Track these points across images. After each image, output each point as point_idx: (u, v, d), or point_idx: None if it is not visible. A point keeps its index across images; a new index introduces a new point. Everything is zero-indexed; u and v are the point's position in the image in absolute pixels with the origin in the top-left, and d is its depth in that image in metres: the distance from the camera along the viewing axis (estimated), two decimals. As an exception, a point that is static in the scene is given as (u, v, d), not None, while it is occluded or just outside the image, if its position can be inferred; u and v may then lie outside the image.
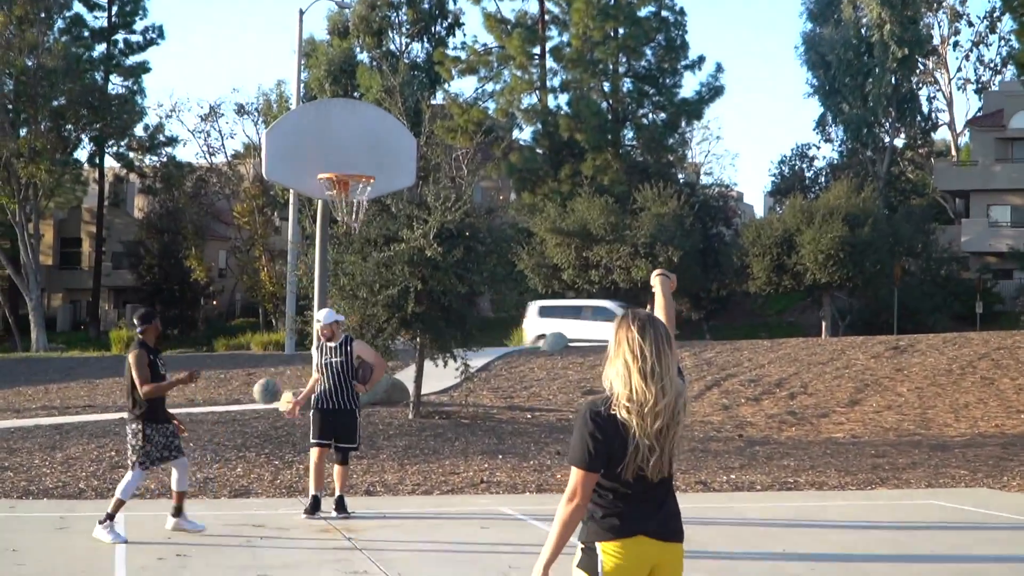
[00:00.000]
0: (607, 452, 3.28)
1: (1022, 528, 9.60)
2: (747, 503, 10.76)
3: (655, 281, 3.66)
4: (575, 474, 3.35)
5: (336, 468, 9.55)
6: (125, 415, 8.98)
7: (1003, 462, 13.92)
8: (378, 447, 14.04)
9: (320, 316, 10.18)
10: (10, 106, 36.08)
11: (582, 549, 3.47)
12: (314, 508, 9.52)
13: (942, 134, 52.10)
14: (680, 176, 43.01)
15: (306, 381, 11.37)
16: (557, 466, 13.04)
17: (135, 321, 9.02)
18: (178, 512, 8.65)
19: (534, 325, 31.39)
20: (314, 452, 9.57)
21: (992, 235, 44.09)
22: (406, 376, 17.11)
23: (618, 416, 3.26)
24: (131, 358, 8.53)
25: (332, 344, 9.55)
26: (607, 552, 3.36)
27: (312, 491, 9.68)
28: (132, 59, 42.65)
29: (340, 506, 9.45)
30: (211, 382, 20.87)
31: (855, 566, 8.00)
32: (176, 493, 8.70)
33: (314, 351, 9.86)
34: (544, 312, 31.93)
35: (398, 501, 10.79)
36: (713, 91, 41.92)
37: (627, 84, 41.67)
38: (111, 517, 8.29)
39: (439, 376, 17.84)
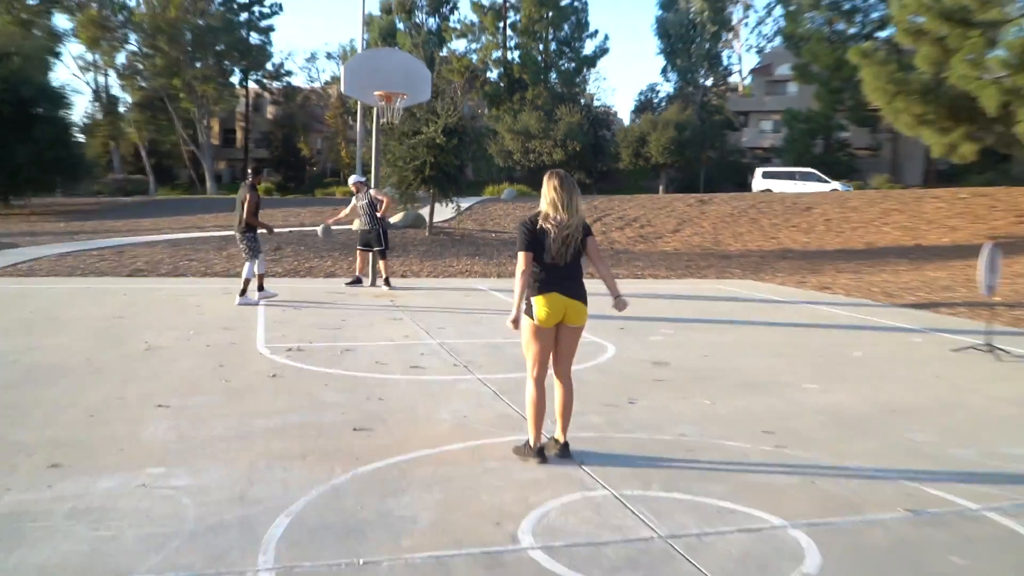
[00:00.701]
0: (534, 241, 4.81)
1: (770, 301, 13.73)
2: (619, 285, 15.50)
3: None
4: (520, 256, 4.88)
5: (379, 263, 13.45)
6: (236, 230, 11.45)
7: (761, 266, 19.35)
8: (408, 251, 19.13)
9: (351, 179, 13.69)
10: (189, 48, 53.10)
11: (526, 303, 4.93)
12: (356, 282, 13.58)
13: (735, 79, 71.74)
14: (582, 100, 58.74)
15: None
16: (508, 262, 18.08)
17: (248, 172, 11.68)
18: (260, 288, 11.34)
19: (759, 184, 40.75)
20: (358, 254, 13.64)
21: (760, 138, 63.29)
22: (424, 212, 22.95)
23: (541, 225, 4.84)
24: (246, 196, 11.10)
25: (359, 194, 13.31)
26: (537, 301, 4.88)
27: (357, 273, 13.69)
28: (264, 23, 59.78)
29: (386, 282, 13.30)
30: (314, 214, 25.87)
31: (675, 307, 12.18)
32: (258, 275, 11.28)
33: (353, 199, 13.61)
34: (766, 175, 41.69)
35: (420, 281, 15.02)
36: (603, 51, 62.66)
37: (553, 46, 60.67)
38: (243, 292, 11.10)
39: (443, 212, 24.48)
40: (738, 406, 6.68)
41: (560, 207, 4.92)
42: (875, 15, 53.84)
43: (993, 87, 20.87)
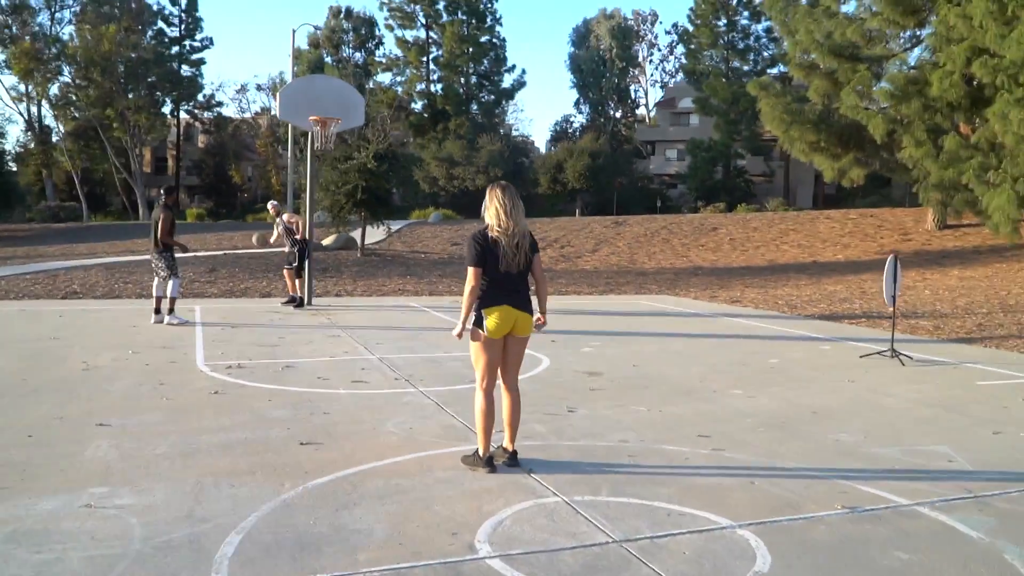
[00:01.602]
0: (484, 256, 4.60)
1: (687, 314, 13.86)
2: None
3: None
4: (469, 271, 4.63)
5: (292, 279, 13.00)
6: (151, 252, 10.82)
7: (676, 282, 19.51)
8: (341, 272, 18.67)
9: (269, 204, 13.65)
10: (122, 80, 51.71)
11: (475, 315, 4.71)
12: (291, 301, 12.93)
13: (642, 111, 74.70)
14: (502, 130, 59.95)
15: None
16: (439, 281, 17.85)
17: (161, 192, 10.93)
18: (171, 310, 10.59)
19: None
20: (286, 274, 13.17)
21: (666, 165, 64.56)
22: (356, 234, 22.50)
23: (491, 236, 4.63)
24: (160, 215, 10.48)
25: (279, 218, 13.05)
26: (488, 314, 4.69)
27: (291, 292, 13.08)
28: (195, 56, 58.63)
29: (300, 303, 12.87)
30: (245, 237, 25.58)
31: (601, 321, 12.12)
32: (170, 299, 10.57)
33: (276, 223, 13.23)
34: None
35: (355, 300, 14.62)
36: (520, 84, 63.38)
37: (473, 79, 61.10)
38: (171, 311, 10.58)
39: (373, 235, 23.87)
40: (672, 412, 6.56)
41: (505, 214, 4.72)
42: (767, 53, 55.67)
43: (879, 117, 21.56)
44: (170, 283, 10.67)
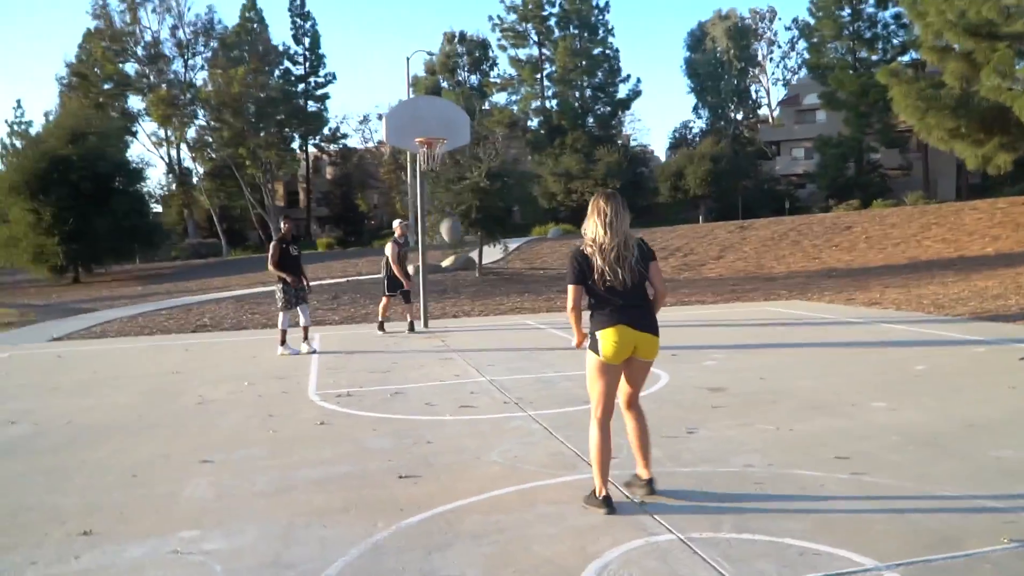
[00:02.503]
0: (582, 272, 4.24)
1: (821, 320, 12.86)
2: (666, 312, 14.76)
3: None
4: (569, 289, 4.35)
5: (405, 306, 12.68)
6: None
7: (807, 286, 18.38)
8: (460, 292, 18.73)
9: (396, 224, 12.77)
10: (252, 119, 53.80)
11: (590, 338, 4.31)
12: (381, 327, 12.36)
13: (764, 111, 72.41)
14: (619, 141, 58.90)
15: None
16: (557, 297, 17.50)
17: (282, 225, 10.78)
18: (281, 342, 10.38)
19: None
20: (385, 299, 12.58)
21: (793, 165, 61.81)
22: (474, 254, 22.57)
23: (585, 251, 4.24)
24: (269, 245, 10.63)
25: (402, 239, 12.53)
26: (604, 336, 4.23)
27: (380, 318, 12.49)
28: (319, 91, 61.27)
29: (411, 328, 12.46)
30: (370, 263, 25.57)
31: (725, 332, 11.51)
32: (303, 327, 10.54)
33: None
34: None
35: (471, 320, 14.48)
36: (636, 93, 61.83)
37: (588, 92, 60.37)
38: (282, 342, 10.35)
39: (492, 254, 24.19)
40: (804, 430, 5.94)
41: (603, 226, 4.28)
42: (896, 41, 52.69)
43: (1026, 96, 19.80)
44: (280, 316, 10.64)
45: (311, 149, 65.20)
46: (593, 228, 4.32)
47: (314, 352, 10.58)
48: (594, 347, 4.30)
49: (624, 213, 4.35)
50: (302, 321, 10.67)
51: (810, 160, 58.34)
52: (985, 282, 17.12)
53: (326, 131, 63.54)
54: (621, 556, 3.74)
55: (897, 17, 51.45)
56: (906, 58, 49.36)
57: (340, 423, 6.63)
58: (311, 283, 11.16)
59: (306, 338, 10.72)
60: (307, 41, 61.52)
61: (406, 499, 4.62)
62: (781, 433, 5.88)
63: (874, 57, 52.93)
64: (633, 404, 4.54)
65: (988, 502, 4.31)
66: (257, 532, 4.18)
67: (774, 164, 62.84)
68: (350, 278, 22.56)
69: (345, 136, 66.20)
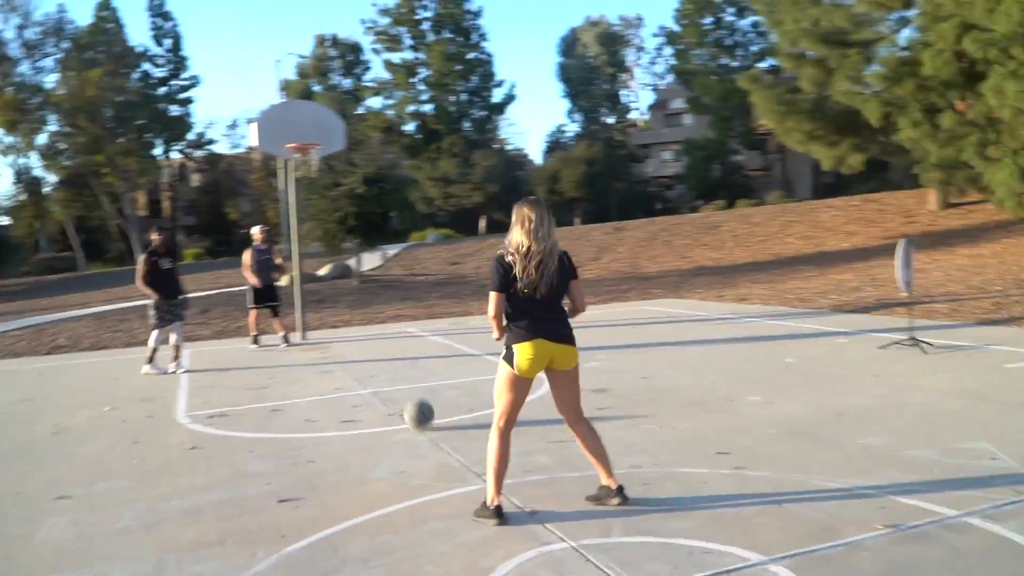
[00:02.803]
0: (506, 280, 4.12)
1: (695, 318, 13.30)
2: None
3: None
4: (491, 296, 4.19)
5: (275, 321, 12.09)
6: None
7: (680, 285, 19.01)
8: (338, 301, 18.17)
9: (254, 230, 12.14)
10: (110, 125, 50.65)
11: (505, 349, 4.23)
12: (255, 342, 11.93)
13: (634, 115, 73.25)
14: (495, 145, 59.19)
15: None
16: (438, 303, 17.34)
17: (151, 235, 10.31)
18: (175, 357, 9.83)
19: None
20: (252, 312, 12.01)
21: (663, 167, 63.74)
22: (352, 262, 21.99)
23: (508, 259, 4.12)
24: (138, 259, 9.94)
25: (263, 247, 11.85)
26: (520, 350, 4.17)
27: (252, 332, 12.05)
28: (182, 95, 57.44)
29: (285, 340, 11.97)
30: (240, 274, 24.38)
31: (605, 333, 11.35)
32: (173, 346, 9.88)
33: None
34: None
35: (351, 330, 14.07)
36: (510, 98, 60.65)
37: (463, 96, 59.12)
38: (149, 360, 9.80)
39: (370, 261, 23.82)
40: (687, 428, 6.05)
41: (525, 234, 4.15)
42: (755, 48, 55.29)
43: (874, 100, 21.10)
44: (152, 333, 10.00)
45: (175, 155, 62.35)
46: (517, 236, 4.17)
47: (184, 372, 10.03)
48: (509, 359, 4.21)
49: (550, 221, 4.22)
50: (172, 339, 10.01)
51: (679, 162, 60.43)
52: (843, 275, 18.11)
53: (191, 136, 60.61)
54: (515, 570, 3.66)
55: (755, 25, 54.02)
56: (765, 64, 51.82)
57: (213, 446, 6.29)
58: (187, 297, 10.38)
59: (176, 357, 10.09)
60: (168, 42, 58.82)
61: (288, 525, 4.40)
62: (665, 432, 5.96)
63: (735, 63, 55.41)
64: (578, 419, 4.44)
65: (861, 489, 4.48)
66: (124, 574, 3.87)
67: (645, 166, 64.72)
68: (221, 290, 21.71)
69: (212, 142, 63.22)
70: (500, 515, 4.23)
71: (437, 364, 9.75)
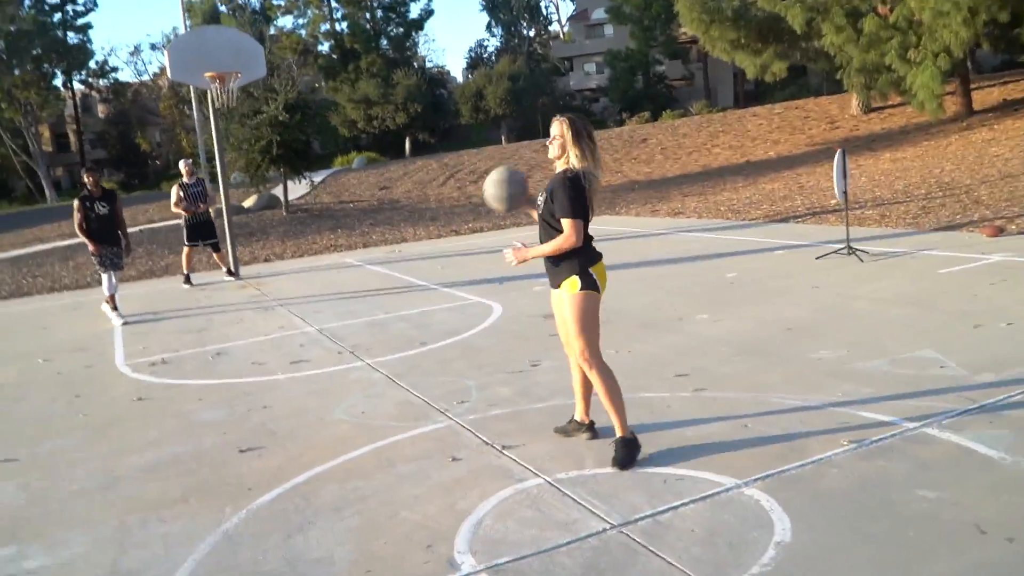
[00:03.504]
0: (587, 205, 3.91)
1: (633, 235, 13.12)
2: (483, 238, 14.25)
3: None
4: (576, 225, 3.86)
5: (215, 255, 11.97)
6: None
7: (614, 201, 19.02)
8: (268, 233, 17.66)
9: (180, 165, 11.61)
10: (4, 56, 47.61)
11: (579, 275, 3.90)
12: (187, 280, 11.69)
13: (556, 28, 72.92)
14: (416, 63, 57.15)
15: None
16: (372, 231, 16.96)
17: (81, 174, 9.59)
18: (113, 307, 9.40)
19: None
20: (186, 249, 11.62)
21: (586, 80, 62.24)
22: (278, 191, 21.23)
23: (581, 182, 3.87)
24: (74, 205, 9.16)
25: (191, 181, 11.42)
26: (597, 272, 4.00)
27: (184, 271, 11.75)
28: (80, 21, 54.07)
29: (229, 273, 11.88)
30: (163, 208, 23.01)
31: None
32: (109, 295, 9.35)
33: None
34: None
35: (285, 263, 13.74)
36: (428, 13, 63.07)
37: (379, 13, 58.07)
38: (114, 308, 9.36)
39: (297, 190, 23.12)
40: (642, 351, 6.08)
41: (591, 153, 3.93)
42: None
43: (797, 6, 21.11)
44: (103, 278, 9.35)
45: (77, 86, 59.06)
46: (585, 154, 3.92)
47: (126, 323, 9.31)
48: (592, 284, 3.97)
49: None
50: (105, 288, 9.35)
51: (602, 75, 59.90)
52: (772, 184, 18.37)
53: (93, 65, 57.54)
54: (493, 509, 3.63)
55: (675, -70, 53.17)
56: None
57: (160, 396, 6.08)
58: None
59: (114, 307, 9.45)
60: (60, -36, 55.05)
61: (253, 476, 4.29)
62: (620, 356, 5.98)
63: (656, -30, 54.66)
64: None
65: (820, 405, 4.57)
66: (85, 540, 3.72)
67: (568, 80, 64.00)
68: (142, 227, 20.91)
69: (116, 70, 60.63)
70: (635, 445, 4.06)
71: (381, 296, 9.59)
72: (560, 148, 3.93)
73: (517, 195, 4.21)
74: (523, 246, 4.10)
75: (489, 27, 69.06)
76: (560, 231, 3.90)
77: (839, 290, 7.49)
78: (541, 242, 4.06)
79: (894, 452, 3.87)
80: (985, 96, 25.67)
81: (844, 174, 9.19)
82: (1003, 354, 5.14)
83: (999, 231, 9.57)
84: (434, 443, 4.49)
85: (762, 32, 23.71)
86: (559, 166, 3.98)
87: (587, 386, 4.32)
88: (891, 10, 20.85)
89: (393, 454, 4.42)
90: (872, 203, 13.44)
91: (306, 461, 4.41)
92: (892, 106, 26.46)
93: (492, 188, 4.16)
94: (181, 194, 11.43)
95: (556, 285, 4.07)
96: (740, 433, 4.29)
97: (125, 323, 9.25)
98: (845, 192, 9.26)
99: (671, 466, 3.93)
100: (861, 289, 7.43)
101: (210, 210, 11.71)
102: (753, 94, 52.00)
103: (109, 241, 9.18)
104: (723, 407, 4.70)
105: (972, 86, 24.90)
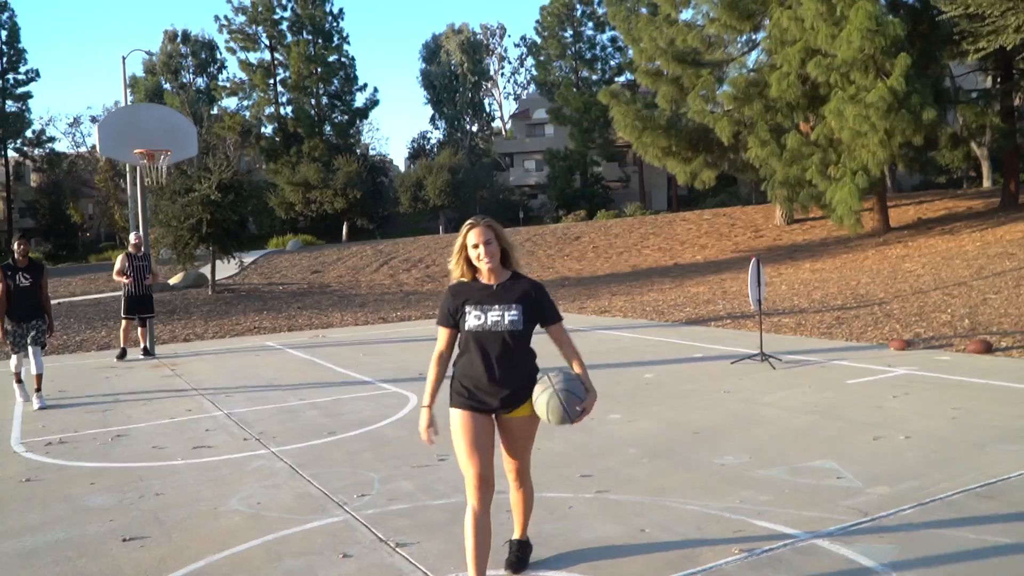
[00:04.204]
0: None
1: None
2: (405, 328, 14.32)
3: None
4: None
5: (140, 330, 11.79)
6: None
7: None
8: (190, 312, 17.21)
9: (131, 236, 11.56)
10: (-63, 121, 46.27)
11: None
12: (122, 356, 11.57)
13: (498, 124, 75.52)
14: (358, 150, 58.12)
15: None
16: (298, 314, 16.79)
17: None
18: (38, 388, 8.56)
19: None
20: (124, 322, 11.67)
21: (525, 176, 64.67)
22: (206, 270, 21.03)
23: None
24: None
25: (138, 254, 11.43)
26: None
27: (122, 345, 11.73)
28: (20, 90, 53.80)
29: (145, 352, 11.75)
30: (87, 281, 23.20)
31: None
32: (35, 375, 8.53)
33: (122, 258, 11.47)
34: None
35: (205, 344, 13.46)
36: (373, 103, 60.94)
37: (324, 99, 58.71)
38: (18, 381, 8.73)
39: (226, 269, 22.77)
40: (549, 448, 6.08)
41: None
42: (613, 62, 57.03)
43: (725, 119, 22.12)
44: (12, 358, 8.69)
45: (11, 154, 58.04)
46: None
47: (43, 407, 8.51)
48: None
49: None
50: (33, 368, 8.48)
51: (541, 172, 61.52)
52: (696, 288, 18.85)
53: (29, 134, 56.74)
54: (377, 612, 3.54)
55: (614, 40, 55.77)
56: (623, 78, 53.52)
57: (50, 478, 5.83)
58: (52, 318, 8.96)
59: (38, 389, 8.59)
60: (3, 34, 54.75)
61: (131, 567, 4.11)
62: (529, 454, 5.95)
63: (594, 76, 57.06)
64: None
65: (717, 512, 4.62)
66: (-60, 632, 3.50)
67: (508, 175, 65.57)
68: (62, 300, 20.32)
69: (53, 140, 59.38)
70: None
71: (297, 382, 9.44)
72: (499, 255, 3.69)
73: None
74: (583, 401, 3.82)
75: (433, 120, 70.56)
76: (528, 344, 3.82)
77: (749, 395, 7.65)
78: (498, 356, 3.77)
79: (782, 563, 3.91)
80: (902, 214, 27.03)
81: (759, 282, 9.51)
82: (898, 467, 5.29)
83: (907, 345, 9.97)
84: (327, 538, 4.38)
85: (692, 141, 24.74)
86: (497, 275, 3.75)
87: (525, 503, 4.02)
88: (812, 128, 22.02)
89: (283, 548, 4.29)
90: (790, 310, 13.87)
91: (190, 554, 4.25)
92: (814, 219, 27.63)
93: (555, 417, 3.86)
94: (126, 264, 11.44)
95: (515, 407, 3.80)
96: (637, 538, 4.29)
97: (27, 401, 8.82)
98: (759, 300, 9.56)
99: (563, 570, 3.90)
100: (770, 396, 7.61)
101: (151, 286, 11.64)
102: (686, 199, 53.86)
103: (26, 316, 8.45)
104: (624, 510, 4.71)
105: (890, 204, 26.24)
